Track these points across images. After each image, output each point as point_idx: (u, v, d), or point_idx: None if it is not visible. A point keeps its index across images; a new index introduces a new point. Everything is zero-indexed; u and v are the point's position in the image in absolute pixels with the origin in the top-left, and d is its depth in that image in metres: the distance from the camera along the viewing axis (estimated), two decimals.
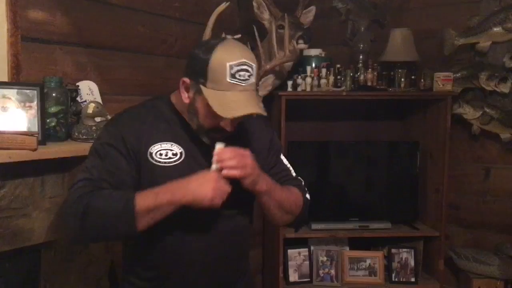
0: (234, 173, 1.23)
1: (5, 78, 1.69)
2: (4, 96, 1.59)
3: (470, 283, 2.71)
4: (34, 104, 1.62)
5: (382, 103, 2.93)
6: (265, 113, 1.26)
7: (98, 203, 1.20)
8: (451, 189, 2.81)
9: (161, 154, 1.30)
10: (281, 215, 1.43)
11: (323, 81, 2.70)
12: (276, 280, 2.75)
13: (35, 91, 1.62)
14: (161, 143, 1.31)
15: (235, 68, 1.21)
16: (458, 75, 2.77)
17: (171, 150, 1.31)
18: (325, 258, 2.81)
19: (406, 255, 2.80)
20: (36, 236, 1.70)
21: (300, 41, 2.57)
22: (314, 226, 2.79)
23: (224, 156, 1.24)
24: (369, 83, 2.76)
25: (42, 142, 1.60)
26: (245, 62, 1.22)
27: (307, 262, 2.81)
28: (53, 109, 1.70)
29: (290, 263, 2.79)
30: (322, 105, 2.95)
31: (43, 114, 1.63)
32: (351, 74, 2.73)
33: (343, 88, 2.71)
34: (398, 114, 3.13)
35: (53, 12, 1.86)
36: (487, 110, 2.73)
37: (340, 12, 3.16)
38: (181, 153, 1.32)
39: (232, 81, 1.21)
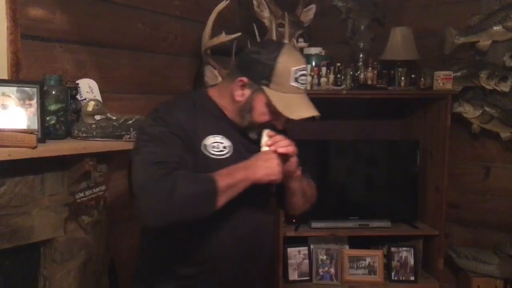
0: (290, 149, 1.34)
1: (5, 76, 1.69)
2: (3, 94, 1.59)
3: (469, 282, 2.71)
4: (34, 102, 1.62)
5: (382, 102, 2.92)
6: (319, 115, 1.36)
7: (183, 183, 1.22)
8: (451, 188, 2.80)
9: (213, 147, 1.35)
10: (303, 202, 1.52)
11: (323, 79, 2.70)
12: (276, 279, 2.75)
13: (35, 89, 1.62)
14: (213, 135, 1.36)
15: (298, 73, 1.33)
16: (458, 74, 2.77)
17: (221, 143, 1.36)
18: (324, 257, 2.80)
19: (405, 254, 2.80)
20: (36, 234, 1.70)
21: (300, 39, 2.57)
22: (314, 224, 2.79)
23: (277, 138, 1.35)
24: (369, 82, 2.75)
25: (42, 140, 1.60)
26: (305, 67, 1.36)
27: (306, 261, 2.81)
28: (53, 107, 1.69)
29: (289, 261, 2.79)
30: (322, 103, 2.91)
31: (42, 112, 1.63)
32: (351, 73, 2.73)
33: (343, 86, 2.71)
34: (398, 113, 3.12)
35: (53, 9, 1.86)
36: (487, 109, 2.73)
37: (340, 11, 3.16)
38: (229, 146, 1.37)
39: (295, 85, 1.33)
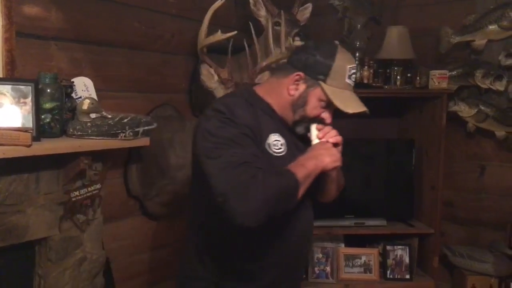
0: (339, 138, 1.44)
1: None
2: None
3: (464, 280, 2.73)
4: (29, 100, 1.61)
5: (378, 100, 2.91)
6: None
7: (271, 180, 1.26)
8: (446, 187, 2.81)
9: (274, 145, 1.41)
10: (335, 191, 1.63)
11: None
12: None
13: (30, 87, 1.62)
14: (272, 134, 1.41)
15: (351, 71, 1.42)
16: (454, 73, 2.78)
17: (279, 141, 1.42)
18: (320, 255, 2.81)
19: (401, 252, 2.81)
20: (31, 232, 1.69)
21: (297, 38, 2.56)
22: None
23: (326, 129, 1.44)
24: (365, 81, 2.76)
25: (37, 138, 1.59)
26: (355, 66, 1.45)
27: None
28: (47, 105, 1.69)
29: None
30: None
31: (37, 110, 1.63)
32: None
33: None
34: (394, 112, 3.13)
35: (48, 7, 1.85)
36: (482, 108, 2.74)
37: (337, 10, 3.16)
38: (284, 143, 1.43)
39: (348, 81, 1.42)
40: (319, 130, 1.44)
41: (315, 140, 1.44)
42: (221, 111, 1.35)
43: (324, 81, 1.40)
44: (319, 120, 1.45)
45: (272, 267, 1.46)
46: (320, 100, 1.42)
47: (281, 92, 1.44)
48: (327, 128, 1.44)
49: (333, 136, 1.43)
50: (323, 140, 1.42)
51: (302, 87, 1.42)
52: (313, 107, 1.43)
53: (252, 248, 1.43)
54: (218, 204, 1.25)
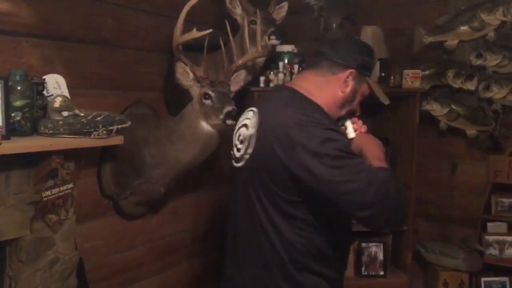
0: (366, 127, 1.57)
1: None
2: None
3: (437, 275, 2.79)
4: None
5: None
6: None
7: (391, 177, 1.37)
8: (419, 184, 2.86)
9: None
10: None
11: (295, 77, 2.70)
12: None
13: None
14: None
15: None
16: (427, 72, 2.83)
17: None
18: None
19: (375, 249, 2.85)
20: (1, 233, 1.65)
21: (273, 37, 2.57)
22: None
23: (357, 121, 1.57)
24: None
25: (7, 136, 1.55)
26: None
27: None
28: (18, 103, 1.64)
29: None
30: None
31: (7, 108, 1.59)
32: None
33: None
34: (368, 110, 3.15)
35: (19, 3, 1.81)
36: (454, 107, 2.80)
37: (312, 9, 3.18)
38: None
39: (377, 74, 1.51)
40: (353, 123, 1.54)
41: (351, 133, 1.52)
42: (317, 123, 1.36)
43: (369, 76, 1.50)
44: (352, 113, 1.55)
45: (343, 264, 1.58)
46: (362, 95, 1.52)
47: (332, 90, 1.48)
48: (355, 120, 1.56)
49: (362, 126, 1.55)
50: (357, 132, 1.52)
51: (351, 84, 1.48)
52: (358, 101, 1.53)
53: (339, 252, 1.51)
54: (361, 217, 1.31)
